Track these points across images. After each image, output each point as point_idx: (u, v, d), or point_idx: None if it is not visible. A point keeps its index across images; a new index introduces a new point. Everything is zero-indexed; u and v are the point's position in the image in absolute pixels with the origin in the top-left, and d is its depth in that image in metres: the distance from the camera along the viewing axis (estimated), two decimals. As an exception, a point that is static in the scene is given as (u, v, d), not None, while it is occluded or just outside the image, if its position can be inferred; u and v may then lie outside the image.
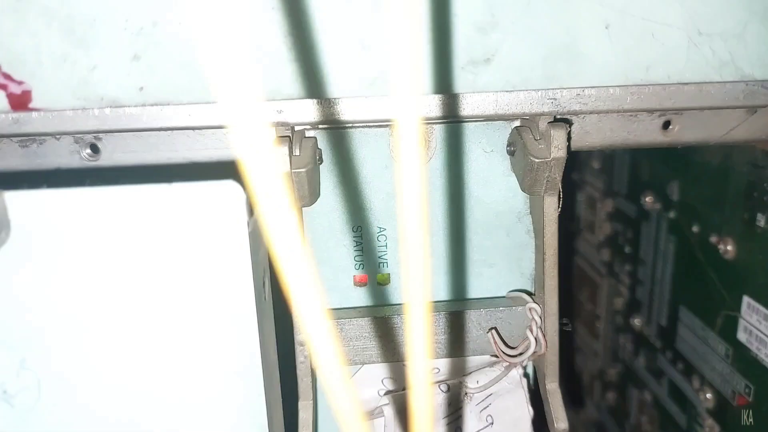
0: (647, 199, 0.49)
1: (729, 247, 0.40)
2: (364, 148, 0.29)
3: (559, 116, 0.27)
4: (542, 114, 0.27)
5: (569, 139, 0.27)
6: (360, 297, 0.31)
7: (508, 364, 0.28)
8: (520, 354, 0.27)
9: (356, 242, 0.30)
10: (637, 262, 0.53)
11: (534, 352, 0.28)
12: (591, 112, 0.27)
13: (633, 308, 0.54)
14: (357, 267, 0.30)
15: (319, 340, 0.15)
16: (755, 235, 0.37)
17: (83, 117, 0.24)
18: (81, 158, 0.27)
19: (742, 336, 0.39)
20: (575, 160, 0.65)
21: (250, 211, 0.20)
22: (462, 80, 0.24)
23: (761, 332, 0.37)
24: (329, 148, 0.29)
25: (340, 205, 0.29)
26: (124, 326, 0.21)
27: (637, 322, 0.53)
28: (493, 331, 0.28)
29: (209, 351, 0.21)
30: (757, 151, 0.36)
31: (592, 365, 0.63)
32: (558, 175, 0.26)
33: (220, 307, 0.21)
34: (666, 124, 0.30)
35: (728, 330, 0.40)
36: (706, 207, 0.43)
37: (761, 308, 0.37)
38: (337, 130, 0.28)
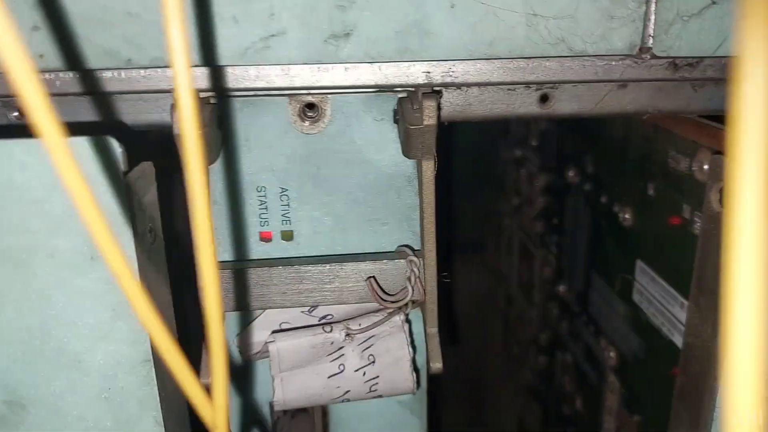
0: (570, 173, 0.53)
1: (627, 215, 0.43)
2: (266, 115, 0.32)
3: (435, 88, 0.30)
4: (418, 86, 0.30)
5: (440, 108, 0.30)
6: (265, 252, 0.34)
7: (391, 310, 0.31)
8: (398, 300, 0.31)
9: (261, 201, 0.33)
10: (562, 233, 0.56)
11: (414, 301, 0.32)
12: (462, 85, 0.30)
13: (559, 276, 0.57)
14: (262, 224, 0.34)
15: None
16: (646, 204, 0.40)
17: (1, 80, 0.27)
18: (9, 120, 0.30)
19: (636, 297, 0.42)
20: (517, 138, 0.68)
21: (128, 164, 0.23)
22: (326, 52, 0.27)
23: (650, 294, 0.40)
24: (234, 115, 0.32)
25: (244, 167, 0.32)
26: (22, 267, 0.24)
27: (561, 289, 0.56)
28: (372, 279, 0.31)
29: (93, 289, 0.24)
30: (649, 125, 0.39)
31: (529, 331, 0.67)
32: (431, 141, 0.29)
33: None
34: (543, 98, 0.33)
35: (625, 292, 0.44)
36: (611, 178, 0.46)
37: (650, 271, 0.40)
38: (240, 98, 0.31)
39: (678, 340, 0.36)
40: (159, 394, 0.26)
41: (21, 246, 0.23)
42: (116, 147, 0.22)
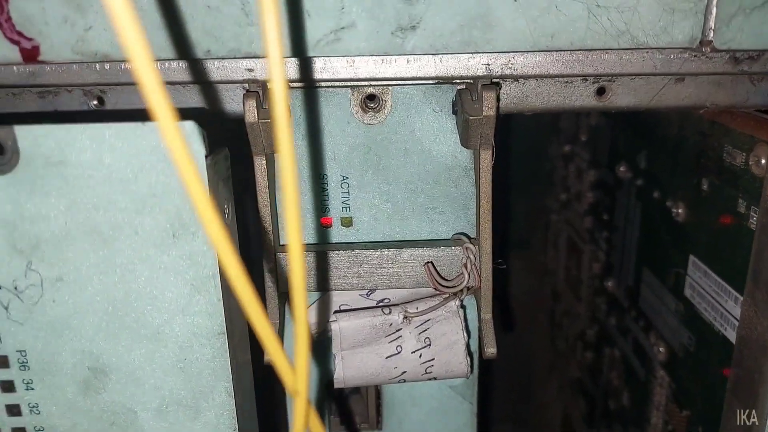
0: (621, 168, 0.53)
1: (680, 210, 0.43)
2: (330, 106, 0.33)
3: (494, 80, 0.31)
4: (477, 78, 0.31)
5: (499, 100, 0.31)
6: (325, 237, 0.35)
7: (447, 295, 0.32)
8: (454, 286, 0.32)
9: (322, 188, 0.35)
10: (612, 228, 0.56)
11: (469, 287, 0.33)
12: (520, 77, 0.31)
13: (607, 272, 0.57)
14: (323, 211, 0.35)
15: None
16: (700, 199, 0.40)
17: (86, 71, 0.29)
18: (90, 107, 0.32)
19: (687, 292, 0.42)
20: (567, 133, 0.68)
21: (209, 149, 0.25)
22: (392, 44, 0.28)
23: (702, 288, 0.40)
24: (300, 106, 0.33)
25: (308, 155, 0.34)
26: (108, 242, 0.26)
27: (610, 284, 0.56)
28: (429, 264, 0.32)
29: (174, 265, 0.26)
30: (705, 120, 0.39)
31: (576, 327, 0.67)
32: (490, 131, 0.30)
33: (185, 227, 0.25)
34: (600, 90, 0.33)
35: (678, 287, 0.44)
36: (665, 174, 0.46)
37: (702, 266, 0.40)
38: (306, 89, 0.33)
39: (730, 335, 0.36)
40: (231, 365, 0.27)
41: (108, 222, 0.25)
42: (198, 132, 0.24)
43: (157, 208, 0.25)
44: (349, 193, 0.35)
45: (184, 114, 0.31)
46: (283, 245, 0.34)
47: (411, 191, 0.35)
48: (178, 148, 0.16)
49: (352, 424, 0.38)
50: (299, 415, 0.19)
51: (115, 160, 0.25)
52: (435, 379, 0.33)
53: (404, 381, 0.33)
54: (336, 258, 0.33)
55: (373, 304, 0.33)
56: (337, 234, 0.35)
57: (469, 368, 0.33)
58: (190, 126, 0.24)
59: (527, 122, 0.79)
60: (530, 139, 0.80)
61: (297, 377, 0.19)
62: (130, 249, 0.26)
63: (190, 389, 0.28)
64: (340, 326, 0.31)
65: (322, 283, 0.33)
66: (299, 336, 0.19)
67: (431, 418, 0.39)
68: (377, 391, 0.38)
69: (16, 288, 0.26)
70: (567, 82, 0.33)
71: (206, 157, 0.25)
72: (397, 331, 0.32)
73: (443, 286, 0.32)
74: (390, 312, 0.32)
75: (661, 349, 0.46)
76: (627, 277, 0.53)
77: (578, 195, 0.65)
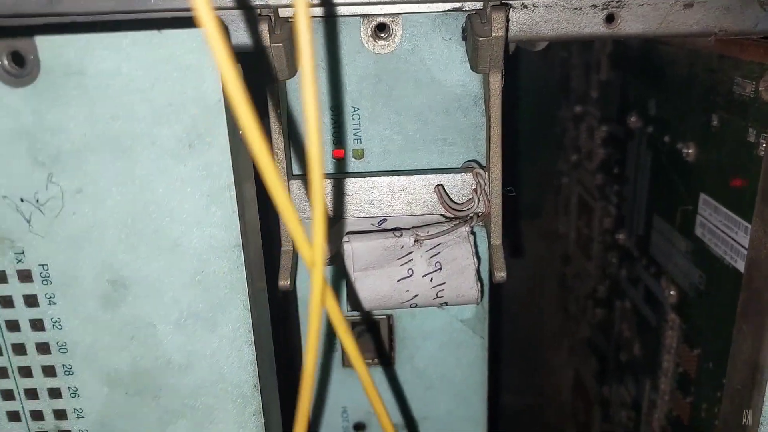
0: (632, 119, 0.53)
1: (690, 150, 0.43)
2: (340, 36, 0.34)
3: (504, 2, 0.31)
4: (487, 0, 0.31)
5: (508, 20, 0.31)
6: (338, 169, 0.36)
7: (457, 221, 0.33)
8: (464, 210, 0.32)
9: (333, 120, 0.35)
10: (623, 181, 0.56)
11: (479, 213, 0.33)
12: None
13: (618, 224, 0.58)
14: (335, 143, 0.35)
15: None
16: (710, 136, 0.40)
17: (102, -3, 0.30)
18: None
19: (698, 231, 0.43)
20: (577, 93, 0.69)
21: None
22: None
23: (713, 224, 0.41)
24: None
25: (318, 86, 0.34)
26: (126, 153, 0.26)
27: (621, 236, 0.57)
28: (440, 187, 0.32)
29: (191, 176, 0.26)
30: (714, 56, 0.39)
31: (586, 287, 0.67)
32: (499, 54, 0.31)
33: (201, 137, 0.26)
34: (609, 18, 0.33)
35: (688, 228, 0.44)
36: (675, 117, 0.46)
37: (713, 202, 0.41)
38: (316, 18, 0.33)
39: (740, 266, 0.37)
40: (246, 280, 0.28)
41: (126, 132, 0.26)
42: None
43: (174, 118, 0.26)
44: (360, 124, 0.35)
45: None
46: (296, 174, 0.35)
47: (422, 122, 0.35)
48: (220, 48, 0.17)
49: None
50: (316, 287, 0.20)
51: (132, 69, 0.25)
52: (446, 304, 0.34)
53: (416, 305, 0.33)
54: (348, 185, 0.34)
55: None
56: (349, 166, 0.36)
57: (480, 293, 0.34)
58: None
59: (537, 87, 0.80)
60: (540, 105, 0.80)
61: (315, 249, 0.20)
62: (148, 160, 0.26)
63: (207, 302, 0.28)
64: (353, 246, 0.32)
65: (335, 210, 0.34)
66: (316, 210, 0.19)
67: (442, 352, 0.39)
68: (390, 325, 0.39)
69: (37, 201, 0.27)
70: (576, 9, 0.33)
71: (221, 65, 0.25)
72: (409, 254, 0.32)
73: (453, 209, 0.32)
74: (401, 234, 0.32)
75: (672, 292, 0.46)
76: (638, 227, 0.53)
77: (589, 154, 0.65)
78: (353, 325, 0.39)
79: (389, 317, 0.39)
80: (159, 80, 0.25)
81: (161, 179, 0.27)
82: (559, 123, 0.76)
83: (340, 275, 0.34)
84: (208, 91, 0.25)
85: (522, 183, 0.84)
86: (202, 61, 0.25)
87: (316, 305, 0.20)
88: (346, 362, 0.39)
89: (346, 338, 0.22)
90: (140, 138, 0.26)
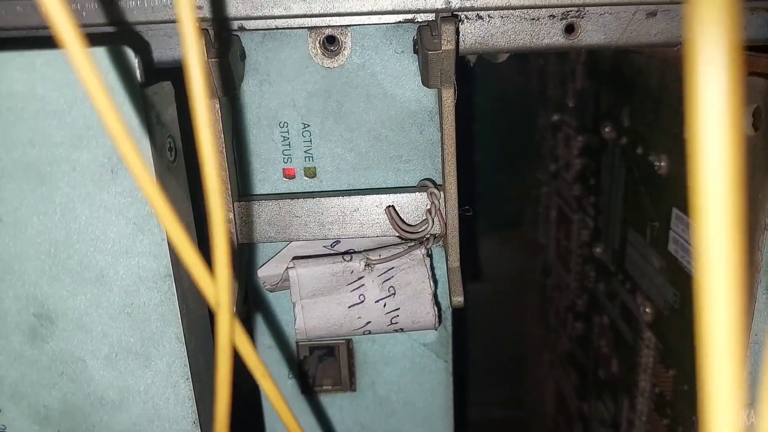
0: (606, 129, 0.51)
1: (663, 163, 0.42)
2: (287, 49, 0.32)
3: (455, 12, 0.30)
4: (437, 11, 0.29)
5: (458, 33, 0.29)
6: (289, 189, 0.34)
7: (412, 243, 0.31)
8: (418, 232, 0.31)
9: (283, 137, 0.33)
10: (599, 193, 0.55)
11: (435, 234, 0.31)
12: (482, 9, 0.30)
13: (595, 238, 0.56)
14: (285, 161, 0.34)
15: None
16: (682, 147, 0.39)
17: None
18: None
19: (671, 247, 0.41)
20: (554, 101, 0.67)
21: (145, 76, 0.24)
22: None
23: (685, 241, 0.39)
24: (255, 50, 0.32)
25: (266, 102, 0.33)
26: (45, 180, 0.25)
27: (598, 250, 0.55)
28: (390, 208, 0.31)
29: (115, 202, 0.25)
30: (684, 65, 0.38)
31: (566, 299, 0.65)
32: (450, 68, 0.29)
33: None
34: (569, 28, 0.32)
35: (661, 244, 0.42)
36: (647, 128, 0.44)
37: (685, 218, 0.39)
38: (261, 31, 0.31)
39: (713, 285, 0.35)
40: (180, 310, 0.26)
41: (44, 158, 0.24)
42: (132, 57, 0.23)
43: (94, 142, 0.24)
44: (311, 141, 0.33)
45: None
46: (243, 195, 0.33)
47: (375, 138, 0.33)
48: (89, 76, 0.15)
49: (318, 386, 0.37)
50: (222, 331, 0.18)
51: (47, 91, 0.23)
52: (402, 330, 0.32)
53: (370, 332, 0.32)
54: (297, 206, 0.32)
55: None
56: (301, 185, 0.34)
57: (437, 318, 0.32)
58: (123, 50, 0.23)
59: (515, 95, 0.78)
60: (518, 114, 0.79)
61: (218, 286, 0.18)
62: (68, 186, 0.25)
63: (138, 336, 0.27)
64: (297, 272, 0.30)
65: (284, 233, 0.32)
66: (217, 237, 0.18)
67: (405, 377, 0.38)
68: (349, 350, 0.37)
69: None
70: (534, 19, 0.31)
71: (141, 85, 0.24)
72: (359, 279, 0.30)
73: (406, 231, 0.31)
74: (351, 259, 0.30)
75: (647, 309, 0.45)
76: (613, 240, 0.52)
77: (567, 164, 0.64)
78: (312, 349, 0.38)
79: (348, 341, 0.37)
80: (76, 102, 0.24)
81: (83, 206, 0.25)
82: (537, 131, 0.75)
83: (289, 301, 0.33)
84: (129, 113, 0.24)
85: (502, 192, 0.83)
86: (122, 81, 0.23)
87: (224, 351, 0.18)
88: (302, 389, 0.38)
89: (264, 382, 0.21)
90: (59, 163, 0.24)
